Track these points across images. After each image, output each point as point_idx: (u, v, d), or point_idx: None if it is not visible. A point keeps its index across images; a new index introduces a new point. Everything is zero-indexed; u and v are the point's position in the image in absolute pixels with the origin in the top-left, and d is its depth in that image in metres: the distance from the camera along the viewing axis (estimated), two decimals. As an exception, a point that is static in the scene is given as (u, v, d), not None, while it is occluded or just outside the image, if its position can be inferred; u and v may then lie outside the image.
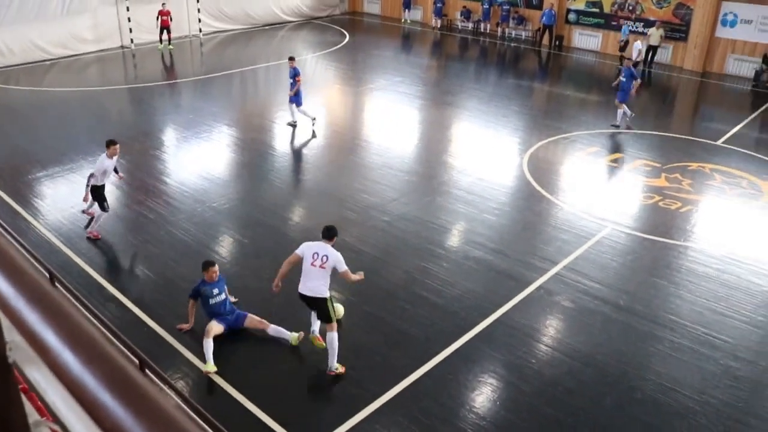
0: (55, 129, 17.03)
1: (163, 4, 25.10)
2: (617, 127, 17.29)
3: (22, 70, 22.55)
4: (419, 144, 16.78)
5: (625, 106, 17.05)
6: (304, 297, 8.03)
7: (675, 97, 22.42)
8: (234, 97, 20.74)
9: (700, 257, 11.04)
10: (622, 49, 24.07)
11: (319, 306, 7.99)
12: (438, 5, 30.38)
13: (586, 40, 27.00)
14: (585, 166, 15.03)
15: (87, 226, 11.39)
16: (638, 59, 22.39)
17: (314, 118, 16.86)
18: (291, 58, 17.00)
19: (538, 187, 13.55)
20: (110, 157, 10.90)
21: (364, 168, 14.69)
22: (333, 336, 7.91)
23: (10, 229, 8.06)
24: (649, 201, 13.15)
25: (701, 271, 10.60)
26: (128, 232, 11.55)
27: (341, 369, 8.02)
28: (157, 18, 25.02)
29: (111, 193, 13.18)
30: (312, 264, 7.95)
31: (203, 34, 27.78)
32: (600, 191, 13.78)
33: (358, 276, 8.18)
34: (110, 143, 10.87)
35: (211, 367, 7.95)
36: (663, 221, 12.31)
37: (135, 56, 25.04)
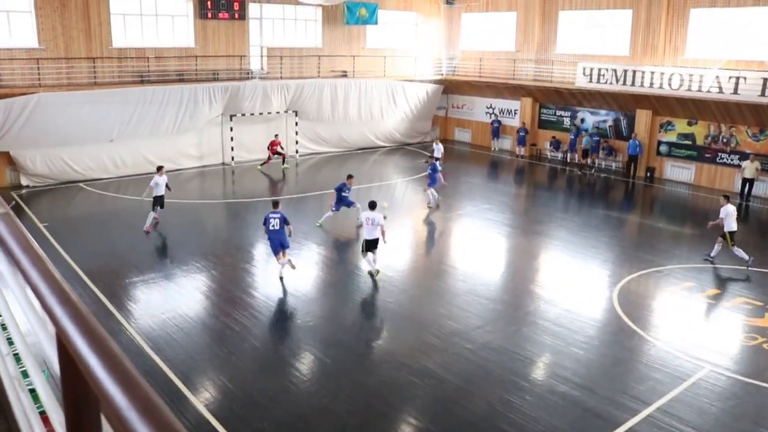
0: (154, 237, 17.94)
1: (276, 135, 27.14)
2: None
3: (131, 180, 24.24)
4: (506, 272, 16.62)
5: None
6: (369, 241, 14.85)
7: (776, 234, 21.51)
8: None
9: (811, 409, 10.16)
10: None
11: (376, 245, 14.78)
12: (521, 134, 31.02)
13: (678, 172, 26.67)
14: (680, 302, 14.40)
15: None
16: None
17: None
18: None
19: (629, 322, 13.02)
20: (161, 175, 17.86)
21: (450, 293, 14.60)
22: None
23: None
24: (751, 342, 12.35)
25: (813, 424, 9.73)
26: (214, 343, 11.76)
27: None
28: (268, 147, 26.92)
29: (201, 303, 13.61)
30: (368, 224, 14.80)
31: (300, 155, 29.18)
32: (696, 329, 13.08)
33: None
34: (159, 168, 18.28)
35: None
36: None
37: (234, 173, 26.48)
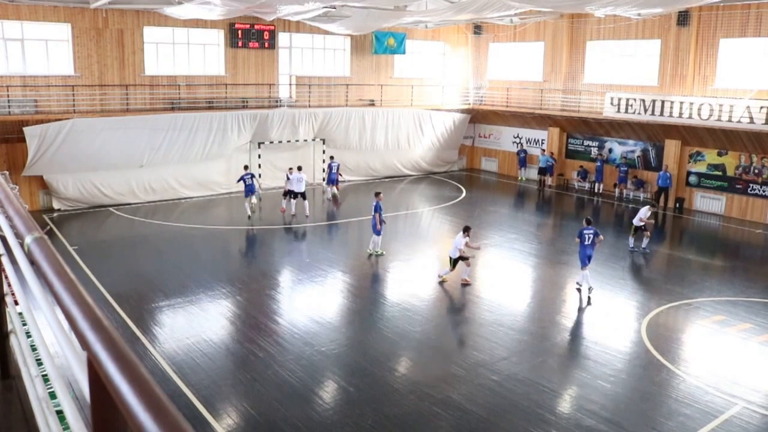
0: (181, 262, 18.12)
1: (331, 157, 28.12)
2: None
3: (159, 205, 24.59)
4: (532, 302, 16.45)
5: None
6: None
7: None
8: (350, 244, 21.42)
9: None
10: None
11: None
12: (540, 166, 30.80)
13: (708, 203, 26.33)
14: (710, 335, 14.10)
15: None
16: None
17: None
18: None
19: (657, 355, 12.77)
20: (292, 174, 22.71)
21: (475, 324, 14.48)
22: None
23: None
24: (784, 380, 12.04)
25: None
26: (237, 369, 11.76)
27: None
28: (323, 170, 28.29)
29: (225, 328, 13.66)
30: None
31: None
32: (728, 364, 12.76)
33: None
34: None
35: None
36: (802, 404, 11.17)
37: (261, 200, 26.68)
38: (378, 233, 18.92)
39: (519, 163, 32.79)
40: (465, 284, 16.70)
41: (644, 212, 20.09)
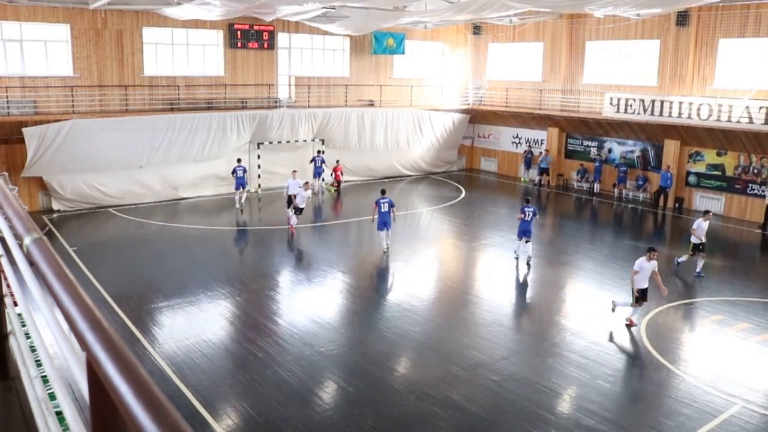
0: (180, 263, 18.13)
1: (337, 161, 28.79)
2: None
3: (159, 206, 24.61)
4: (531, 302, 16.46)
5: None
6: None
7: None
8: (350, 245, 21.42)
9: None
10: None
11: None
12: (541, 166, 30.89)
13: (707, 203, 26.29)
14: (710, 335, 14.11)
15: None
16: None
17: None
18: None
19: (657, 355, 12.78)
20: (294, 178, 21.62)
21: (474, 324, 14.48)
22: None
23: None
24: (784, 380, 12.04)
25: None
26: (236, 369, 11.76)
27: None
28: (332, 174, 28.54)
29: (225, 329, 13.67)
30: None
31: (325, 184, 29.40)
32: (727, 363, 12.76)
33: None
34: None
35: None
36: (801, 404, 11.18)
37: (260, 200, 26.71)
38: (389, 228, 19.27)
39: (524, 164, 32.70)
40: (630, 325, 14.20)
41: (703, 224, 17.67)
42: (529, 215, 18.32)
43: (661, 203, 26.77)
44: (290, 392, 10.85)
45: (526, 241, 18.41)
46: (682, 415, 10.55)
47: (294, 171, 23.00)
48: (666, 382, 11.79)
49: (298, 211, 20.99)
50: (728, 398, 11.12)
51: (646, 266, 13.94)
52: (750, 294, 16.48)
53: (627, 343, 13.51)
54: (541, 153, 31.35)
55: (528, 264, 18.40)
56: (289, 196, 21.96)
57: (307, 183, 21.44)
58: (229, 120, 26.23)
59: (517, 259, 18.71)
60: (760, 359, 13.02)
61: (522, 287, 17.50)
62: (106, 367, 1.19)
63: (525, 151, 32.82)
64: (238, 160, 25.20)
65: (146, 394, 1.07)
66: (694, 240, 17.84)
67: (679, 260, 18.38)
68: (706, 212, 18.30)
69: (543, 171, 30.82)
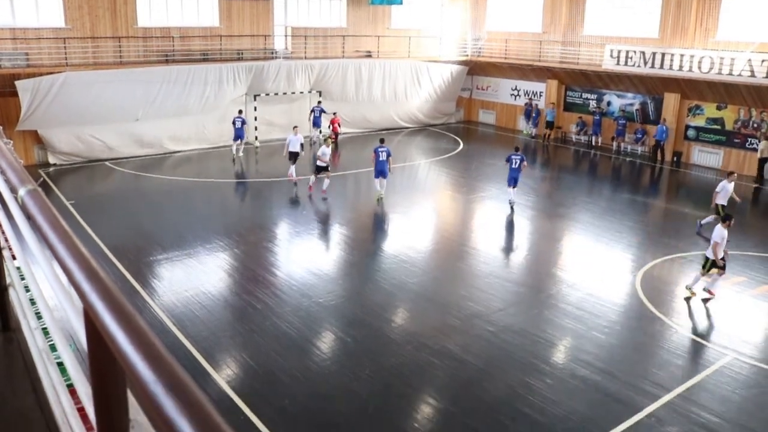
0: (178, 216, 18.16)
1: (335, 113, 28.52)
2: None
3: (156, 159, 24.52)
4: (528, 255, 16.55)
5: None
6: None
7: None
8: (348, 196, 21.41)
9: (836, 398, 10.03)
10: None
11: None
12: (548, 120, 30.72)
13: (706, 157, 26.29)
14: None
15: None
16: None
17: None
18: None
19: (651, 307, 12.92)
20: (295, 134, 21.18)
21: (471, 275, 14.58)
22: None
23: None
24: (776, 331, 12.20)
25: (838, 413, 9.60)
26: (236, 320, 11.89)
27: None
28: (329, 126, 28.16)
29: (223, 281, 13.76)
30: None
31: (323, 136, 29.20)
32: (720, 316, 12.93)
33: None
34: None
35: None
36: (792, 354, 11.35)
37: (258, 153, 26.59)
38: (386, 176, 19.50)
39: (526, 116, 32.42)
40: (708, 299, 13.53)
41: (728, 186, 17.29)
42: (516, 162, 18.91)
43: (659, 157, 26.69)
44: (289, 343, 10.99)
45: (513, 187, 19.18)
46: (674, 366, 10.73)
47: (295, 126, 22.30)
48: (659, 334, 11.95)
49: (322, 170, 19.82)
50: (720, 350, 11.28)
51: (725, 234, 13.25)
52: (746, 248, 16.57)
53: (622, 296, 13.63)
54: (553, 105, 31.02)
55: (511, 208, 19.18)
56: (290, 152, 21.19)
57: (296, 127, 21.95)
58: (225, 72, 25.91)
59: (512, 207, 19.18)
60: (754, 312, 13.16)
61: (519, 239, 17.58)
62: (102, 316, 1.20)
63: (526, 104, 32.54)
64: (239, 111, 25.17)
65: (144, 343, 1.08)
66: (719, 201, 17.35)
67: (702, 222, 17.83)
68: (731, 173, 18.04)
69: (549, 125, 30.61)
